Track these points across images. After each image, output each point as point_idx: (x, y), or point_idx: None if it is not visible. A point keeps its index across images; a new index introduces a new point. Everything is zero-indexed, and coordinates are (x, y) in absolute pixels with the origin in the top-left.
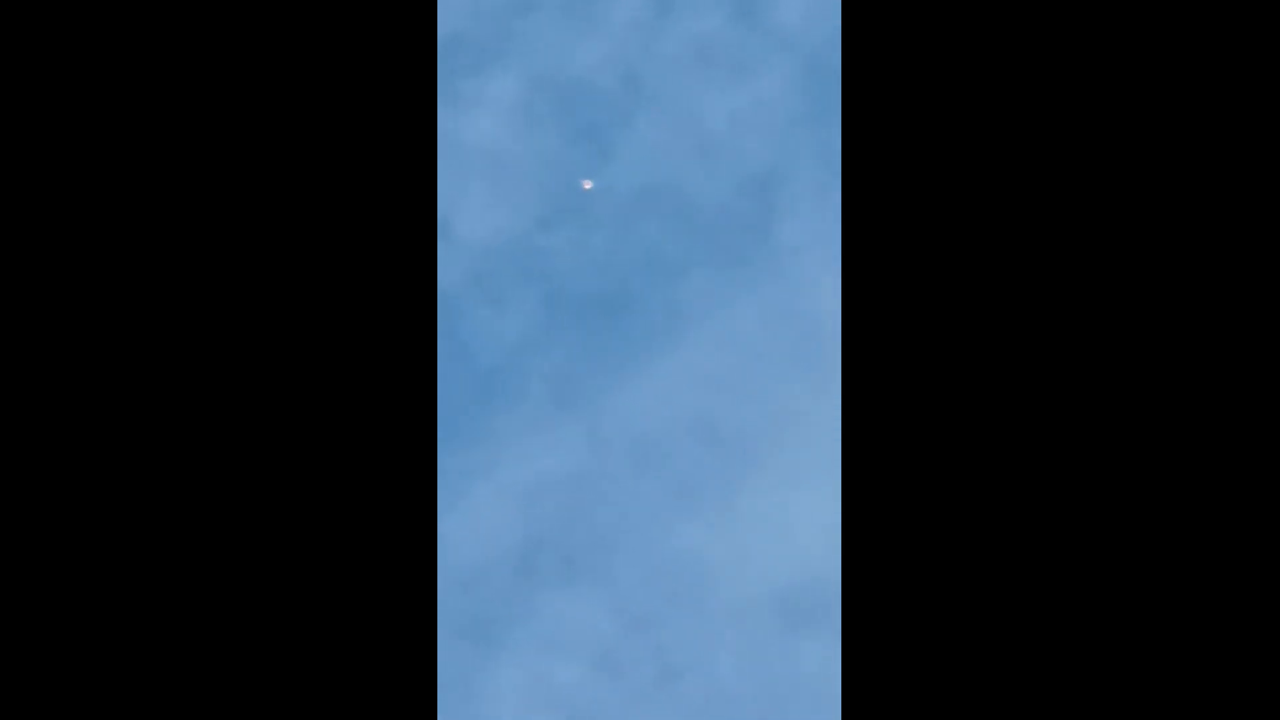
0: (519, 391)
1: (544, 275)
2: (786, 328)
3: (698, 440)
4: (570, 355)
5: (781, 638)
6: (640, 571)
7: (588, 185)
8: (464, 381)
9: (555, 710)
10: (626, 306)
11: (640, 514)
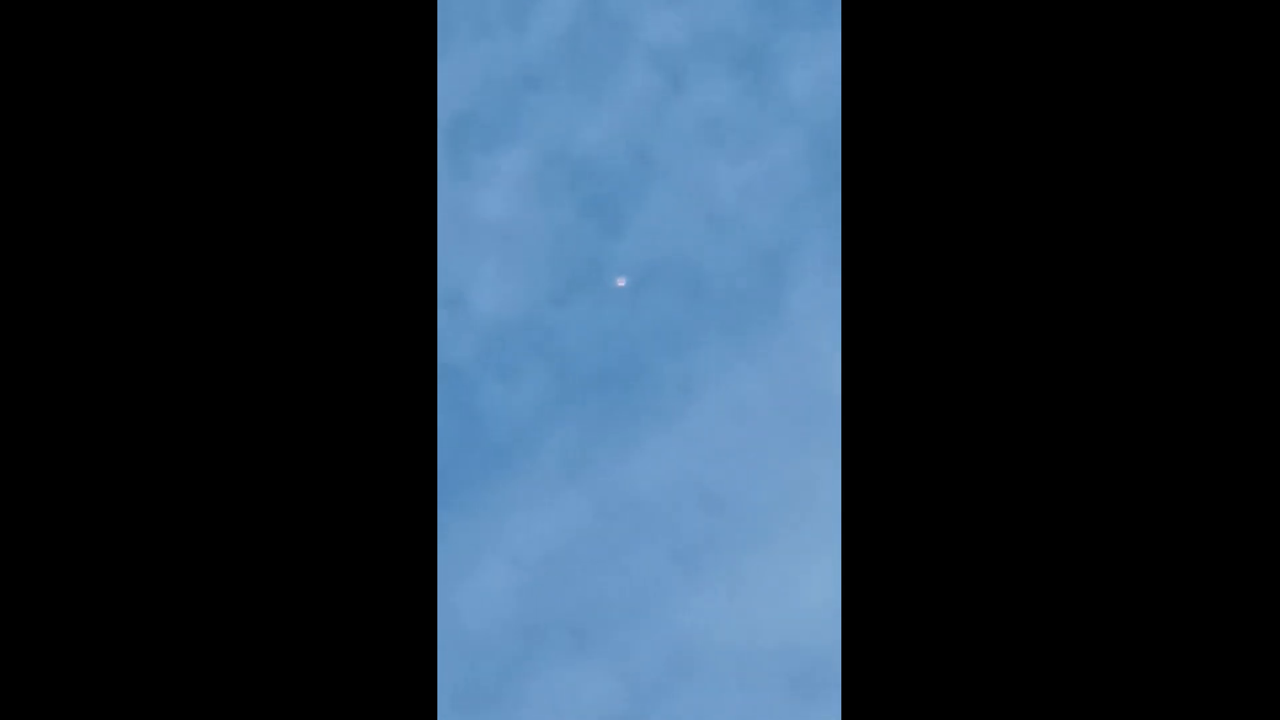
0: (529, 464)
1: (556, 349)
2: (795, 398)
3: (706, 510)
4: (581, 428)
5: (789, 707)
6: (647, 641)
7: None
8: (475, 454)
9: None
10: (637, 379)
11: (648, 584)
